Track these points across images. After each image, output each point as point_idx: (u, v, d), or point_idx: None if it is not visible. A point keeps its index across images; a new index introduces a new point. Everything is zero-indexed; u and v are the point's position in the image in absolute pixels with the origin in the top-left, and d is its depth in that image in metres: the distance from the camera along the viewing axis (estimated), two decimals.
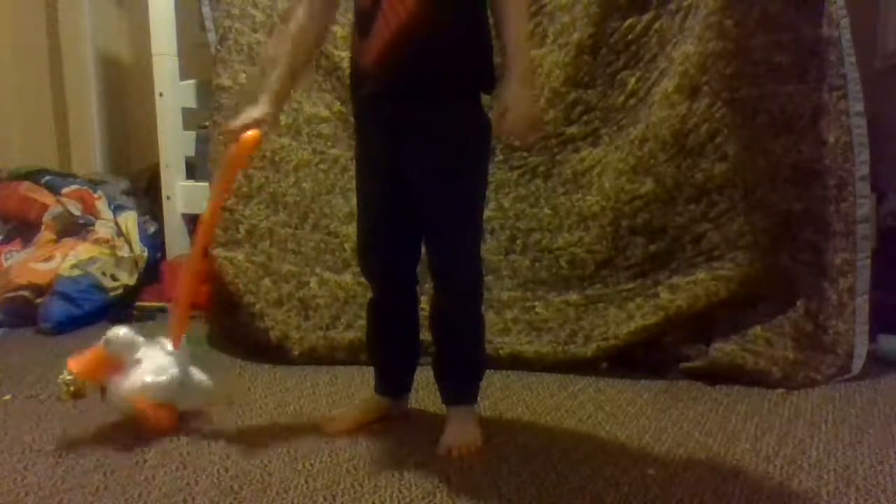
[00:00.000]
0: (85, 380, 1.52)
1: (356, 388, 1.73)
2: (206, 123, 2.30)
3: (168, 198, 2.53)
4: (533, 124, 1.34)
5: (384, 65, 1.28)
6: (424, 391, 1.70)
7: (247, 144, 1.38)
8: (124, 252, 2.47)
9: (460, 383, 1.48)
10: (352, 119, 1.54)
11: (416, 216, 1.38)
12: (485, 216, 1.97)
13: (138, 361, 1.46)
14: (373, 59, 1.30)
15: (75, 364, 1.52)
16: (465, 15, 1.29)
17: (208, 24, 2.30)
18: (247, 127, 1.37)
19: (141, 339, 1.50)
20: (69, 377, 1.66)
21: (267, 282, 1.96)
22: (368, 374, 1.78)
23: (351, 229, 2.03)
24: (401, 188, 1.35)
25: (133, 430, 1.45)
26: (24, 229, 2.51)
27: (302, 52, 1.42)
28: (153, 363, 1.46)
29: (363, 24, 1.31)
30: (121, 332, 1.49)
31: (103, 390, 1.48)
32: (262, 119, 1.38)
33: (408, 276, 1.49)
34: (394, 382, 1.56)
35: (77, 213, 2.53)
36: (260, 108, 1.38)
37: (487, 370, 1.83)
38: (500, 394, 1.70)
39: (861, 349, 1.79)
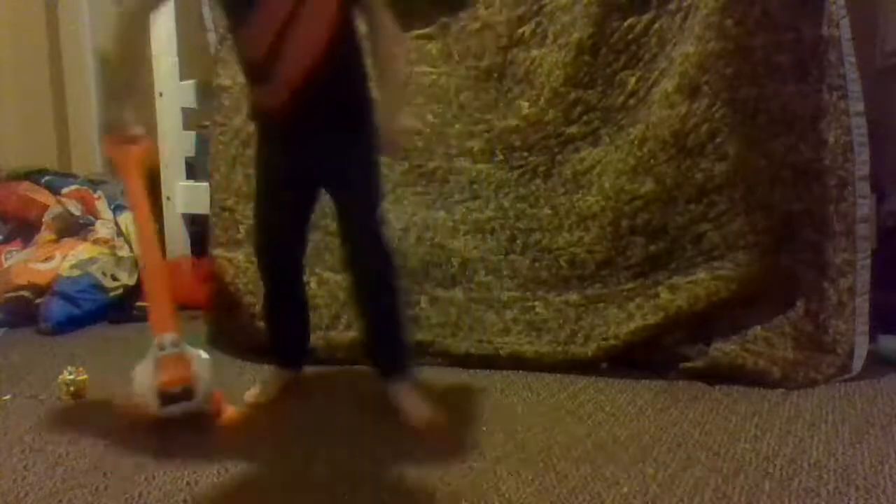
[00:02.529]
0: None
1: (356, 387, 1.73)
2: (206, 123, 2.30)
3: (168, 198, 2.53)
4: (398, 138, 1.57)
5: (294, 108, 1.46)
6: (425, 392, 1.70)
7: (141, 157, 1.56)
8: (124, 252, 2.47)
9: (400, 357, 1.64)
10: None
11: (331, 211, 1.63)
12: (485, 216, 2.00)
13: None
14: (280, 103, 1.47)
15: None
16: (353, 64, 1.51)
17: (208, 24, 2.30)
18: (132, 139, 1.53)
19: None
20: (69, 377, 1.66)
21: None
22: (368, 373, 1.78)
23: None
24: (308, 193, 1.60)
25: (133, 430, 1.45)
26: (24, 229, 2.51)
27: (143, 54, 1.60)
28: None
29: (257, 73, 1.49)
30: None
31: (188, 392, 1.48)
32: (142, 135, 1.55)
33: (300, 266, 1.73)
34: (294, 355, 1.75)
35: (77, 213, 2.53)
36: (131, 119, 1.52)
37: (487, 370, 1.84)
38: (499, 394, 1.70)
39: (861, 349, 1.79)
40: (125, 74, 1.55)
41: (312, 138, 1.49)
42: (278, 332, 1.75)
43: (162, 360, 1.46)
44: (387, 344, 1.64)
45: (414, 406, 1.55)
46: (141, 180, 1.60)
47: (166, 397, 1.45)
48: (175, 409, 1.46)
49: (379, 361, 1.66)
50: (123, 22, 1.52)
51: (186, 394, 1.47)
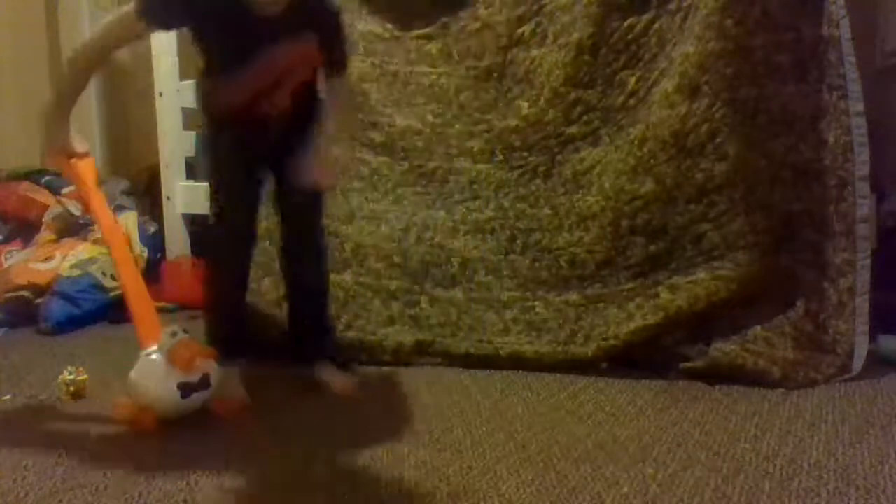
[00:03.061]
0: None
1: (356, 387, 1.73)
2: None
3: (168, 198, 2.53)
4: (329, 174, 1.65)
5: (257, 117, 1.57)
6: (425, 391, 1.70)
7: (93, 169, 1.62)
8: None
9: (329, 341, 1.79)
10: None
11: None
12: (485, 216, 2.00)
13: None
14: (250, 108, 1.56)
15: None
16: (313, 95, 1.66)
17: None
18: (76, 153, 1.57)
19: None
20: (69, 377, 1.66)
21: (267, 282, 1.96)
22: (367, 373, 1.78)
23: (351, 229, 2.04)
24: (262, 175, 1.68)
25: (133, 431, 1.45)
26: (24, 229, 2.51)
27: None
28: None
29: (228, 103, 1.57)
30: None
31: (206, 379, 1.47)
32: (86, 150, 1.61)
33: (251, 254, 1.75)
34: (242, 345, 1.73)
35: (77, 213, 2.53)
36: (69, 132, 1.56)
37: (487, 370, 1.85)
38: (499, 394, 1.70)
39: (861, 349, 1.79)
40: (78, 85, 1.55)
41: (270, 135, 1.61)
42: (227, 323, 1.74)
43: (172, 350, 1.44)
44: (317, 328, 1.77)
45: (336, 378, 1.71)
46: (100, 192, 1.64)
47: (187, 388, 1.43)
48: (197, 398, 1.45)
49: (306, 344, 1.76)
50: (110, 31, 1.50)
51: (205, 381, 1.46)
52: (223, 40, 1.53)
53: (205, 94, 1.68)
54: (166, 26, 1.50)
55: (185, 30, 1.59)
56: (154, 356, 1.45)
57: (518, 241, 1.97)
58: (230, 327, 1.74)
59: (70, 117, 1.57)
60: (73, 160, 1.59)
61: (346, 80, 1.70)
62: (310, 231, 1.73)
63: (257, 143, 1.61)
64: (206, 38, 1.56)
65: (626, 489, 1.24)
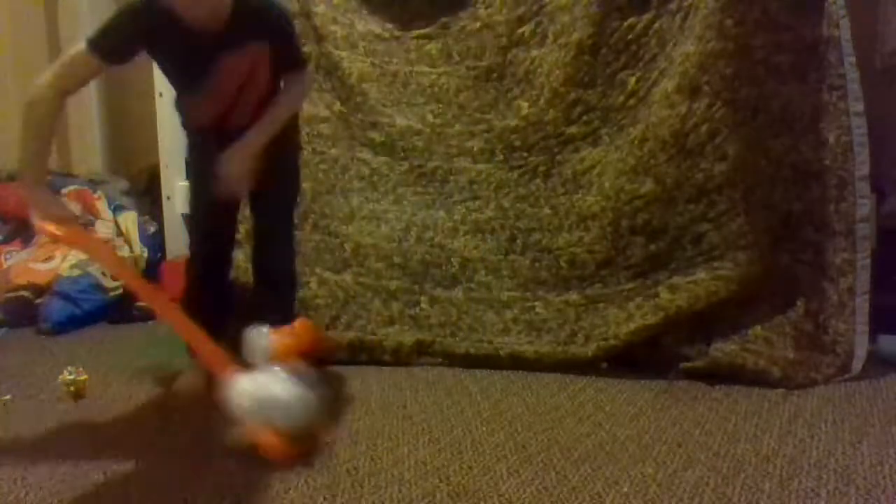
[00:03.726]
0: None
1: (355, 387, 1.73)
2: None
3: (168, 198, 2.53)
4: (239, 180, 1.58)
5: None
6: (425, 392, 1.70)
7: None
8: (124, 252, 2.47)
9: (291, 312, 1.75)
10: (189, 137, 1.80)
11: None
12: (485, 216, 2.00)
13: None
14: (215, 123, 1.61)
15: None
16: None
17: None
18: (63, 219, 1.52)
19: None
20: (69, 377, 1.66)
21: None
22: (368, 373, 1.78)
23: (351, 229, 2.04)
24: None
25: (133, 431, 1.45)
26: (24, 229, 2.51)
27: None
28: None
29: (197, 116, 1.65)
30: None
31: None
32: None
33: (230, 259, 1.82)
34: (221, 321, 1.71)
35: (77, 213, 2.53)
36: (54, 202, 1.60)
37: (487, 370, 1.85)
38: (500, 394, 1.70)
39: (861, 349, 1.79)
40: (43, 136, 1.51)
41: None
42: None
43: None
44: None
45: None
46: (98, 240, 1.62)
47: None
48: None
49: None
50: (63, 73, 1.47)
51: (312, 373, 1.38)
52: (177, 62, 1.56)
53: (178, 112, 1.72)
54: (120, 59, 1.46)
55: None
56: (270, 374, 1.34)
57: (518, 241, 1.97)
58: (209, 305, 1.70)
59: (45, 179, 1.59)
60: (68, 224, 1.52)
61: (305, 77, 1.72)
62: (278, 226, 1.75)
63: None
64: (162, 63, 1.60)
65: (626, 489, 1.24)
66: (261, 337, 1.43)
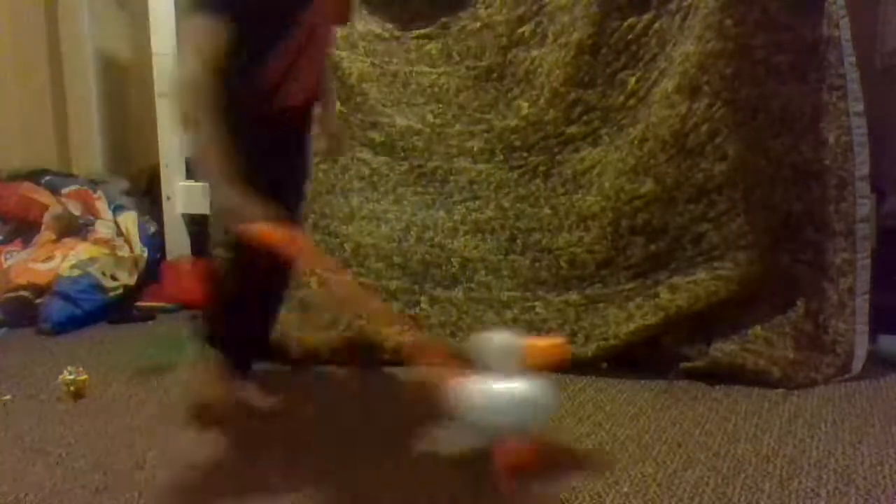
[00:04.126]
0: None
1: (357, 387, 1.73)
2: None
3: (168, 198, 2.53)
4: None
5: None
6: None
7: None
8: (124, 252, 2.47)
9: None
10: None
11: None
12: (485, 216, 2.00)
13: None
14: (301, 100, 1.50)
15: None
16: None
17: None
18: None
19: None
20: (69, 377, 1.66)
21: None
22: (368, 374, 1.77)
23: (351, 229, 2.04)
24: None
25: (133, 430, 1.45)
26: (24, 229, 2.51)
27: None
28: None
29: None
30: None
31: None
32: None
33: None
34: (249, 356, 1.65)
35: (77, 213, 2.53)
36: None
37: None
38: None
39: (861, 349, 1.79)
40: (213, 118, 1.28)
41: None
42: (242, 328, 1.58)
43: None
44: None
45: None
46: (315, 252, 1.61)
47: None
48: None
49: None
50: (200, 48, 1.29)
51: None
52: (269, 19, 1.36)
53: (244, 88, 1.38)
54: (231, 6, 1.29)
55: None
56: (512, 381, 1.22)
57: (518, 241, 1.97)
58: (240, 327, 1.56)
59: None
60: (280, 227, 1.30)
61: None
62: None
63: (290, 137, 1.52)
64: (254, 19, 1.33)
65: (626, 489, 1.24)
66: (510, 343, 1.27)
